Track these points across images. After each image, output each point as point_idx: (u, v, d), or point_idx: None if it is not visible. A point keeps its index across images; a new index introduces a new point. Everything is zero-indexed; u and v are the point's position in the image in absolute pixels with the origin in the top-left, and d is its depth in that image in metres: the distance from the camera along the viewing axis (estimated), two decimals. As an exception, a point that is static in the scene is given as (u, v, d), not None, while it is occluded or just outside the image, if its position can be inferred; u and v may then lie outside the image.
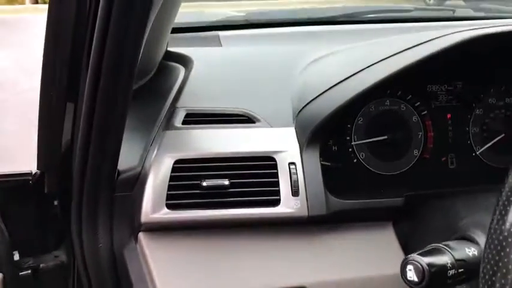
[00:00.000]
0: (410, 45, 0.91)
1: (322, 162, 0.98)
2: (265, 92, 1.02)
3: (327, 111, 0.89)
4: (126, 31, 0.67)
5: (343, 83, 0.92)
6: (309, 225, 0.86)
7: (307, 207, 0.84)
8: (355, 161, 1.01)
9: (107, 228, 0.87)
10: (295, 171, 0.86)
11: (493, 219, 0.47)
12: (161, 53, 1.16)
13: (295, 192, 0.85)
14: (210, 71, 1.10)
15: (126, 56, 0.69)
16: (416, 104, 1.04)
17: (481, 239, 0.74)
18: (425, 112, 1.04)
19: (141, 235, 0.83)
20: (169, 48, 1.22)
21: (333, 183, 0.97)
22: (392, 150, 1.03)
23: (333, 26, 1.46)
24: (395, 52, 0.92)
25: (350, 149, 1.01)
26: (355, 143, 1.01)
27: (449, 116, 1.05)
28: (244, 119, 0.95)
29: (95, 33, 0.69)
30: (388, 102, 1.03)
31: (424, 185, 1.00)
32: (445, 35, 0.90)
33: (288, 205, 0.84)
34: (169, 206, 0.82)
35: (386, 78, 0.87)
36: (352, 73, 0.92)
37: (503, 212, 0.46)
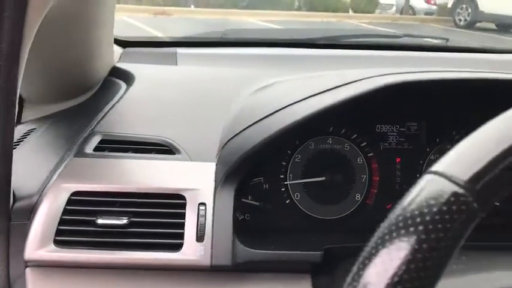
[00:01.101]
0: (341, 83, 0.83)
1: (250, 202, 0.91)
2: (198, 121, 0.95)
3: (246, 147, 0.81)
4: None
5: (272, 116, 0.84)
6: (216, 273, 0.78)
7: (211, 255, 0.76)
8: (287, 202, 0.92)
9: (3, 258, 0.80)
10: (203, 213, 0.78)
11: (353, 270, 0.38)
12: (105, 68, 1.10)
13: (200, 237, 0.76)
14: (148, 92, 1.03)
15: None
16: (362, 144, 0.95)
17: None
18: (372, 154, 0.95)
19: (28, 270, 0.76)
20: (120, 63, 1.16)
21: (257, 226, 0.89)
22: (331, 193, 0.94)
23: (310, 49, 1.38)
24: (325, 89, 0.83)
25: (283, 189, 0.92)
26: (290, 182, 0.92)
27: (398, 159, 0.96)
28: (164, 150, 0.87)
29: None
30: (330, 141, 0.95)
31: (361, 234, 0.91)
32: (371, 77, 0.83)
33: (190, 251, 0.76)
34: (57, 243, 0.75)
35: (307, 117, 0.79)
36: (281, 107, 0.84)
37: (366, 262, 0.38)
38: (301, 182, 0.93)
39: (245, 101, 0.96)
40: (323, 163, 0.94)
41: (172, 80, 1.10)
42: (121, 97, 0.99)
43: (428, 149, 0.97)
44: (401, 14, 11.18)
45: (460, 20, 9.41)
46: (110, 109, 0.95)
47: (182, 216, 0.78)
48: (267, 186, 0.92)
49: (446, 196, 0.37)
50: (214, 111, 0.96)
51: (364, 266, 0.38)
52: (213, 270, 0.76)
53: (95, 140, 0.87)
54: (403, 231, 0.37)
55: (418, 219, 0.37)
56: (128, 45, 1.24)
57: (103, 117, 0.94)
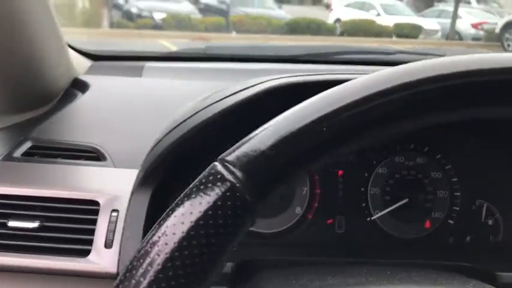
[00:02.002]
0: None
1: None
2: (137, 130, 0.94)
3: (160, 150, 0.79)
4: None
5: (189, 119, 0.82)
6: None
7: (118, 262, 0.74)
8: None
9: None
10: (115, 220, 0.76)
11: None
12: (65, 80, 1.12)
13: (108, 244, 0.75)
14: (96, 101, 1.04)
15: None
16: (302, 156, 0.91)
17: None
18: (312, 166, 0.91)
19: None
20: (84, 75, 1.18)
21: None
22: (270, 206, 0.90)
23: (291, 64, 1.36)
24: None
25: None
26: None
27: (340, 172, 0.92)
28: (92, 156, 0.87)
29: None
30: (270, 151, 0.91)
31: (298, 249, 0.87)
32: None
33: (97, 258, 0.74)
34: None
35: (213, 117, 0.77)
36: (200, 109, 0.82)
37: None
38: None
39: (180, 110, 0.95)
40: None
41: (128, 90, 1.10)
42: (67, 105, 1.00)
43: (375, 162, 0.92)
44: (446, 39, 10.96)
45: (508, 45, 9.14)
46: (51, 116, 0.96)
47: (94, 222, 0.76)
48: None
49: (220, 184, 0.35)
50: (159, 121, 0.95)
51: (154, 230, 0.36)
52: None
53: (26, 146, 0.88)
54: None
55: (198, 207, 0.35)
56: (99, 59, 1.26)
57: (40, 124, 0.95)
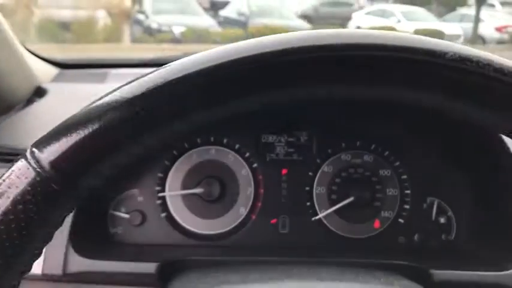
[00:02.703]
0: None
1: (118, 214, 0.88)
2: None
3: None
4: None
5: None
6: (49, 283, 0.75)
7: (43, 263, 0.74)
8: (163, 215, 0.89)
9: None
10: None
11: None
12: (25, 88, 1.13)
13: None
14: (50, 107, 1.05)
15: None
16: (246, 155, 0.90)
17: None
18: (256, 165, 0.90)
19: None
20: (49, 83, 1.20)
21: (131, 239, 0.87)
22: (213, 206, 0.89)
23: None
24: None
25: (159, 201, 0.89)
26: (163, 194, 0.89)
27: (284, 171, 0.90)
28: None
29: None
30: (213, 151, 0.91)
31: (242, 250, 0.86)
32: None
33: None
34: None
35: None
36: None
37: None
38: (178, 194, 0.89)
39: None
40: (204, 175, 0.90)
41: (86, 96, 1.11)
42: (20, 111, 1.02)
43: (319, 161, 0.90)
44: (469, 44, 10.78)
45: (534, 47, 8.94)
46: (1, 122, 0.98)
47: None
48: (141, 198, 0.89)
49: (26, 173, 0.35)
50: None
51: None
52: (44, 280, 0.74)
53: None
54: None
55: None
56: (66, 67, 1.27)
57: None
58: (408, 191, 0.89)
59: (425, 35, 0.37)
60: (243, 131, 0.90)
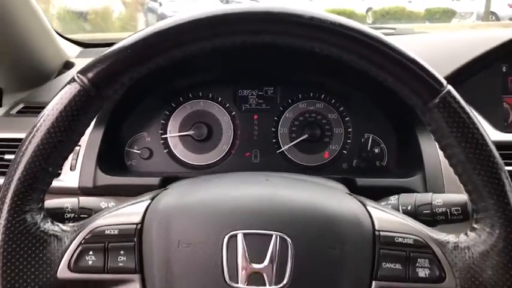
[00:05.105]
0: None
1: (132, 150, 1.18)
2: None
3: None
4: None
5: None
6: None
7: (79, 180, 1.05)
8: (166, 151, 1.19)
9: None
10: (77, 151, 1.07)
11: None
12: (56, 62, 1.43)
13: (72, 168, 1.05)
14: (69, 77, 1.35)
15: None
16: (227, 106, 1.20)
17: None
18: (234, 113, 1.19)
19: None
20: (74, 58, 1.49)
21: (144, 169, 1.17)
22: (203, 144, 1.19)
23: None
24: None
25: (162, 141, 1.19)
26: (165, 135, 1.19)
27: (255, 116, 1.19)
28: None
29: None
30: (202, 103, 1.20)
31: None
32: None
33: (65, 178, 1.05)
34: None
35: None
36: None
37: None
38: (176, 135, 1.19)
39: None
40: (196, 121, 1.19)
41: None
42: (53, 79, 1.32)
43: (281, 108, 1.19)
44: (482, 21, 10.81)
45: (548, 23, 8.97)
46: (40, 87, 1.29)
47: None
48: (149, 139, 1.19)
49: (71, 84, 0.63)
50: None
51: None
52: (81, 192, 1.05)
53: (20, 106, 1.20)
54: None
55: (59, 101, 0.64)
56: (88, 46, 1.57)
57: (35, 92, 1.27)
58: (350, 129, 1.18)
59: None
60: (224, 88, 1.20)
